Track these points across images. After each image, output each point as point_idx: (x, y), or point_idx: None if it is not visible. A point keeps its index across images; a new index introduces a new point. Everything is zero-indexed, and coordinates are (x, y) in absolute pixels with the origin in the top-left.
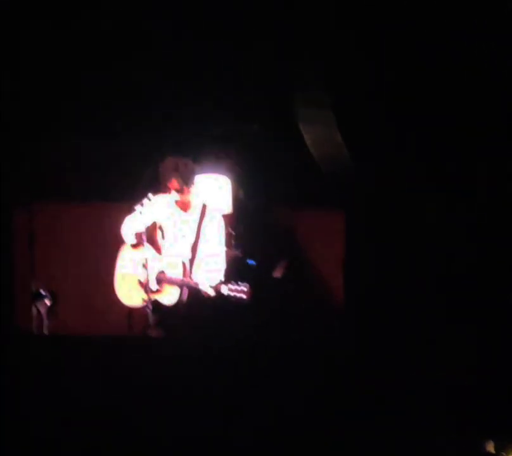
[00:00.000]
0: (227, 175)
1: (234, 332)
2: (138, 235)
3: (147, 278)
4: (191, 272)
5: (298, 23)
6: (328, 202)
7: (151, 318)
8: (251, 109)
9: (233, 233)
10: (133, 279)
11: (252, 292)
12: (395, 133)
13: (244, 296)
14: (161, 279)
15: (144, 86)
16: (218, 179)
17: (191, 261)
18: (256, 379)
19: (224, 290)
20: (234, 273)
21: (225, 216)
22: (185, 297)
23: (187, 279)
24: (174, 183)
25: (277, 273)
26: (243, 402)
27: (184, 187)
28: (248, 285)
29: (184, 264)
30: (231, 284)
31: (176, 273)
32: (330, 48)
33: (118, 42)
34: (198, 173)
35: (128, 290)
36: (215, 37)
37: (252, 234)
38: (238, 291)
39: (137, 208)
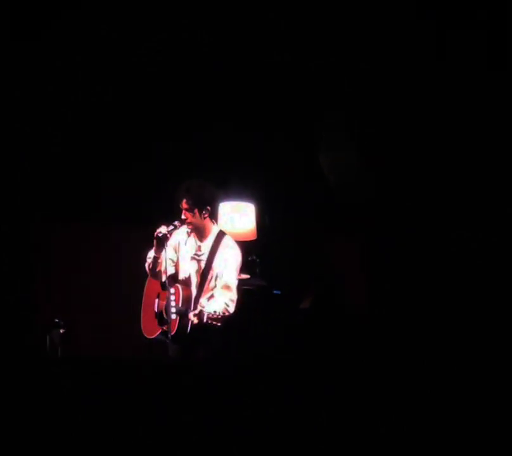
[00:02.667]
0: (252, 202)
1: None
2: (156, 265)
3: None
4: (197, 301)
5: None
6: (350, 227)
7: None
8: (273, 139)
9: (258, 260)
10: (151, 311)
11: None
12: (414, 157)
13: (218, 324)
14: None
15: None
16: (243, 206)
17: (200, 285)
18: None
19: (205, 317)
20: (259, 303)
21: (249, 243)
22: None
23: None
24: (183, 202)
25: (305, 304)
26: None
27: (195, 208)
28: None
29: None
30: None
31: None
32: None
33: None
34: (224, 201)
35: (148, 322)
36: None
37: (277, 262)
38: (214, 318)
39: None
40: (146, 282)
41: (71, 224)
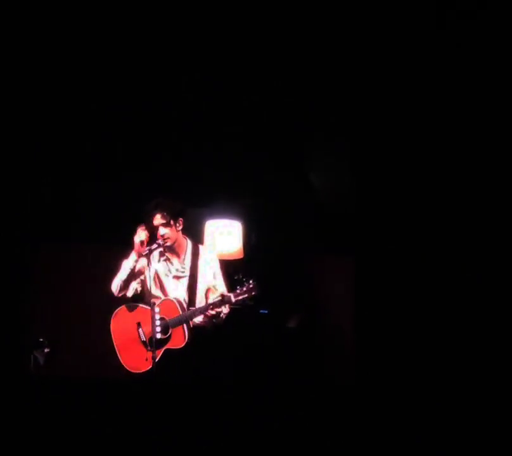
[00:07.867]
0: (238, 220)
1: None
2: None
3: (149, 333)
4: (187, 309)
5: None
6: (339, 247)
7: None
8: (262, 156)
9: (244, 279)
10: (135, 343)
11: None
12: (405, 177)
13: (253, 293)
14: (166, 325)
15: (154, 131)
16: (230, 224)
17: (190, 300)
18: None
19: (231, 298)
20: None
21: (236, 262)
22: (188, 334)
23: (188, 312)
24: (157, 217)
25: (292, 323)
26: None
27: (171, 221)
28: (251, 280)
29: (180, 302)
30: (236, 289)
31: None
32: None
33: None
34: (210, 219)
35: (134, 356)
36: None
37: (264, 281)
38: (245, 291)
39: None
40: (113, 319)
41: (56, 244)
